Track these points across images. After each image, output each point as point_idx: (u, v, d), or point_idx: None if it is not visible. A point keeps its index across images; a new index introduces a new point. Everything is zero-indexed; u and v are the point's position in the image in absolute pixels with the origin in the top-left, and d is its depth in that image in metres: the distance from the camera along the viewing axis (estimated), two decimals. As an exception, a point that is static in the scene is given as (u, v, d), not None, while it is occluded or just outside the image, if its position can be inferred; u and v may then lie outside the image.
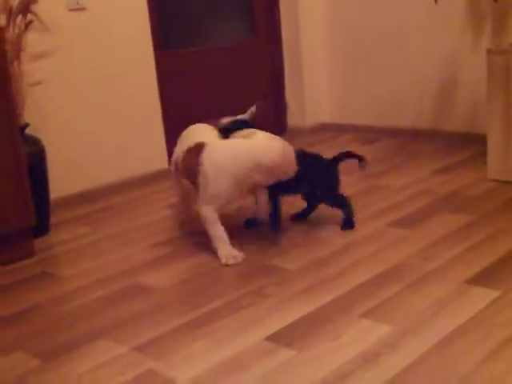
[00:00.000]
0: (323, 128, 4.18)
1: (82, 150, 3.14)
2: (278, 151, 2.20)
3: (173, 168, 2.55)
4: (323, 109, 4.19)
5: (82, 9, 3.06)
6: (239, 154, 2.23)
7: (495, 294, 1.90)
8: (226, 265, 2.28)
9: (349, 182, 3.08)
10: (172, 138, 3.55)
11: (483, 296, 1.90)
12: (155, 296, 2.10)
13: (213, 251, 2.37)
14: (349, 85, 4.07)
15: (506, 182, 2.85)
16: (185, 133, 2.60)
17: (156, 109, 3.42)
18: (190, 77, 3.75)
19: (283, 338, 1.77)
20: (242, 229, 2.61)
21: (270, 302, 1.98)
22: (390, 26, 3.77)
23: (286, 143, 2.27)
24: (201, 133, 2.47)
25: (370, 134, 3.95)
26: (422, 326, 1.77)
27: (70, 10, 3.03)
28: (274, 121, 4.19)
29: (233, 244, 2.34)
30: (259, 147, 2.22)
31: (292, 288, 2.06)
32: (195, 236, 2.58)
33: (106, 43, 3.17)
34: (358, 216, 2.62)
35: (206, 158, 2.27)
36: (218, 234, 2.32)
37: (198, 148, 2.32)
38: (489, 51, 2.81)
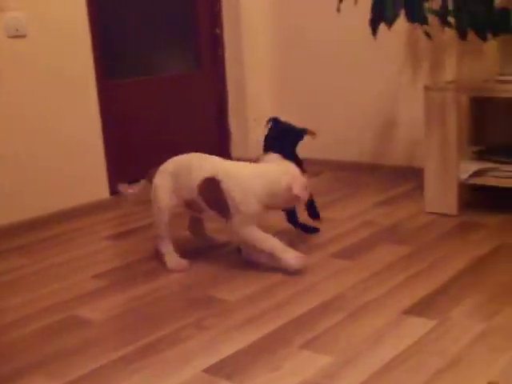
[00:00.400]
0: (266, 160, 4.20)
1: (20, 180, 3.09)
2: (301, 181, 2.34)
3: (174, 201, 2.51)
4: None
5: (22, 36, 3.03)
6: (263, 179, 2.36)
7: (432, 323, 1.93)
8: (295, 268, 2.35)
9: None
10: (114, 168, 3.54)
11: (420, 326, 1.92)
12: (92, 329, 2.06)
13: (152, 283, 2.35)
14: (293, 118, 4.11)
15: (442, 215, 2.91)
16: (183, 163, 2.52)
17: (97, 139, 3.39)
18: (133, 107, 3.74)
19: (222, 370, 1.75)
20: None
21: (210, 333, 1.97)
22: (333, 62, 3.84)
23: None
24: (208, 161, 2.48)
25: (315, 166, 3.99)
26: (361, 355, 1.78)
27: (9, 36, 2.99)
28: (217, 152, 4.18)
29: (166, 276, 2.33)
30: (282, 174, 2.35)
31: (232, 319, 2.05)
32: (134, 268, 2.55)
33: (46, 72, 3.13)
34: (301, 247, 2.63)
35: (232, 185, 2.36)
36: (275, 243, 2.36)
37: (216, 179, 2.39)
38: (426, 88, 2.88)
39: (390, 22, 2.63)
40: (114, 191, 3.49)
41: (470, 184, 2.92)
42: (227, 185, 2.37)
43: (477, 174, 2.86)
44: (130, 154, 3.73)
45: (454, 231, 2.73)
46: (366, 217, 2.97)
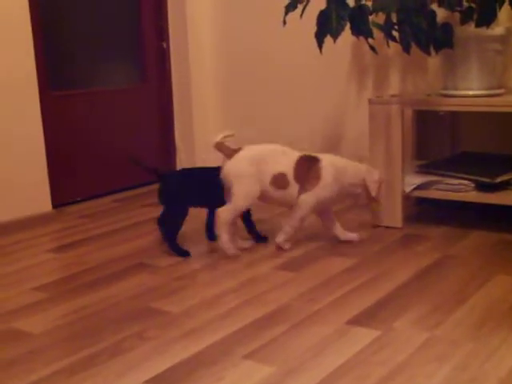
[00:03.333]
0: (213, 174, 4.18)
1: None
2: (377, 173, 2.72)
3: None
4: (213, 154, 4.19)
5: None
6: (353, 168, 2.71)
7: (376, 333, 1.93)
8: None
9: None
10: (57, 181, 3.47)
11: (364, 336, 1.92)
12: (32, 341, 1.99)
13: (94, 295, 2.30)
14: (240, 132, 4.10)
15: (387, 228, 2.93)
16: (266, 150, 2.69)
17: (40, 151, 3.33)
18: (78, 119, 3.69)
19: (164, 381, 1.71)
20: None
21: (152, 344, 1.92)
22: (280, 76, 3.85)
23: None
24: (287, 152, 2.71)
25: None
26: (305, 366, 1.76)
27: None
28: (162, 166, 4.16)
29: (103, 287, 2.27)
30: (364, 168, 2.72)
31: (175, 330, 2.01)
32: (76, 280, 2.49)
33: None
34: (246, 259, 2.62)
35: (327, 168, 2.66)
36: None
37: (314, 158, 2.68)
38: (370, 101, 2.91)
39: (335, 35, 2.65)
40: (56, 204, 3.43)
41: (414, 197, 2.95)
42: (325, 164, 2.64)
43: (420, 187, 2.90)
44: (74, 166, 3.66)
45: (398, 243, 2.75)
46: (311, 229, 2.96)
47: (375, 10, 2.70)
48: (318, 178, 2.64)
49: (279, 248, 2.73)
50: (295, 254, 2.68)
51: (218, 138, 2.66)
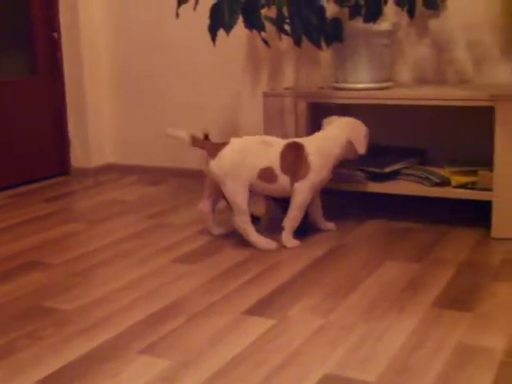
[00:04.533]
0: (109, 169, 4.12)
1: None
2: (362, 127, 2.72)
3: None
4: (108, 149, 4.14)
5: None
6: (334, 139, 2.68)
7: (270, 322, 1.96)
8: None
9: (132, 220, 3.06)
10: None
11: (260, 325, 1.94)
12: None
13: (-16, 295, 2.23)
14: (135, 125, 4.06)
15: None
16: (251, 141, 2.66)
17: None
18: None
19: (58, 380, 1.68)
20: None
21: (45, 343, 1.87)
22: (174, 67, 3.83)
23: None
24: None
25: (156, 175, 3.96)
26: (201, 357, 1.77)
27: None
28: (56, 161, 4.06)
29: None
30: (347, 126, 2.70)
31: (68, 329, 1.97)
32: (-35, 280, 2.40)
33: None
34: (142, 253, 2.60)
35: (311, 152, 2.63)
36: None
37: (298, 146, 2.65)
38: (265, 94, 2.95)
39: (228, 28, 2.66)
40: None
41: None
42: (309, 149, 2.62)
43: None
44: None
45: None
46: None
47: (267, 4, 2.74)
48: (307, 166, 2.61)
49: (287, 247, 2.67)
50: (193, 246, 2.68)
51: (187, 136, 2.62)
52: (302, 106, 2.95)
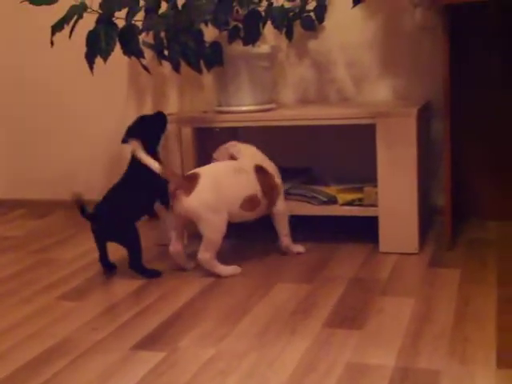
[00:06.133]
0: (-8, 204, 3.95)
1: None
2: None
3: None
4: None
5: None
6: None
7: (161, 355, 1.90)
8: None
9: (16, 257, 2.92)
10: None
11: (149, 359, 1.88)
12: None
13: None
14: (21, 159, 3.91)
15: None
16: (219, 168, 2.60)
17: None
18: None
19: None
20: None
21: None
22: (56, 101, 3.72)
23: None
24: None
25: (43, 207, 3.82)
26: (87, 399, 1.68)
27: None
28: None
29: None
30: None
31: None
32: None
33: None
34: (25, 292, 2.48)
35: (273, 173, 2.68)
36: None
37: (262, 168, 2.65)
38: (149, 120, 2.88)
39: (104, 56, 2.59)
40: None
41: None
42: (270, 169, 2.68)
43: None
44: None
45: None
46: (95, 255, 2.86)
47: (144, 30, 2.69)
48: (277, 186, 2.66)
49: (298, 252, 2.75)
50: (79, 281, 2.58)
51: (158, 164, 2.49)
52: (187, 131, 2.91)
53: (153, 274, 2.58)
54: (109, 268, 2.67)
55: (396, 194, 2.64)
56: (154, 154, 2.61)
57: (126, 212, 2.58)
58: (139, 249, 2.57)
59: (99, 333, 2.09)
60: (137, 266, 2.58)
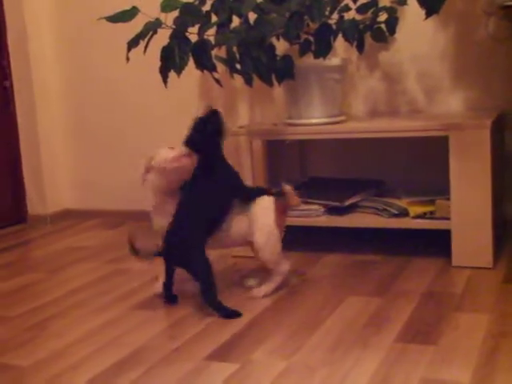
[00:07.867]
0: (66, 214, 4.06)
1: None
2: None
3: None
4: (65, 194, 4.08)
5: None
6: None
7: (234, 367, 1.92)
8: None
9: (90, 267, 3.00)
10: None
11: (223, 370, 1.90)
12: None
13: None
14: (92, 169, 4.02)
15: (244, 257, 2.94)
16: None
17: None
18: None
19: None
20: None
21: (0, 404, 1.81)
22: (131, 112, 3.81)
23: None
24: None
25: (116, 218, 3.91)
26: (163, 409, 1.72)
27: None
28: (11, 210, 3.98)
29: None
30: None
31: (25, 386, 1.91)
32: None
33: None
34: (100, 302, 2.54)
35: None
36: None
37: None
38: (220, 133, 2.92)
39: (178, 70, 2.65)
40: None
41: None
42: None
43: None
44: None
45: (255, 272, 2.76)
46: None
47: (216, 45, 2.74)
48: None
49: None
50: (149, 292, 2.61)
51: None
52: (258, 143, 2.94)
53: (230, 314, 2.32)
54: (171, 299, 2.49)
55: (469, 206, 2.60)
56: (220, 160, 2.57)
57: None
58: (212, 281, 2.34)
59: (175, 341, 2.12)
60: (211, 301, 2.34)
